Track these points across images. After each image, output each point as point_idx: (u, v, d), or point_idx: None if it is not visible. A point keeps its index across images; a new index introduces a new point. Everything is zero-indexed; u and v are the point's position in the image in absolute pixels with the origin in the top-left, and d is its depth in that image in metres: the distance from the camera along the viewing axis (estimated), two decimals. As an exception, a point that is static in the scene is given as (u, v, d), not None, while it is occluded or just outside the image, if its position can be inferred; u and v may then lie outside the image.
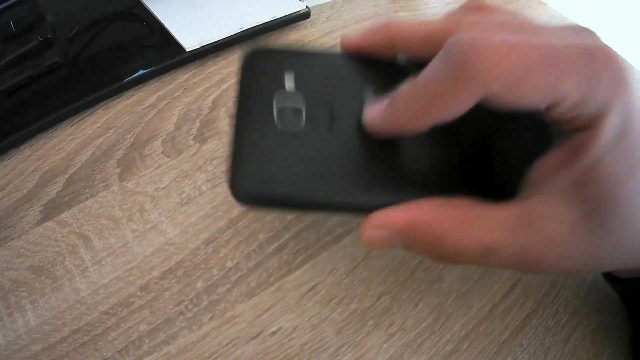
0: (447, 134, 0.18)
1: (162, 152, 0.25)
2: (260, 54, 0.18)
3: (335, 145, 0.17)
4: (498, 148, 0.19)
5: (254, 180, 0.16)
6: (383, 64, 0.19)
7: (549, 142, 0.20)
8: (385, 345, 0.20)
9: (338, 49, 0.19)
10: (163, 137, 0.26)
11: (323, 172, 0.16)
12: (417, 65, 0.17)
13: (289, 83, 0.18)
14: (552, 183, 0.15)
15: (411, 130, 0.16)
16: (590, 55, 0.14)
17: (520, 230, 0.15)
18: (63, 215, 0.22)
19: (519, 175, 0.17)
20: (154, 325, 0.20)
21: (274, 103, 0.17)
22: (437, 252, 0.16)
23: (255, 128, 0.17)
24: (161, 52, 0.29)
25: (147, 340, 0.19)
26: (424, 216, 0.16)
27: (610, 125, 0.14)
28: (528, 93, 0.14)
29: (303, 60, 0.19)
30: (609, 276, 0.21)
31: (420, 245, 0.16)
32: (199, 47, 0.29)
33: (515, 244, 0.15)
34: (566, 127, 0.15)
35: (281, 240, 0.22)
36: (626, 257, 0.16)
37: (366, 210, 0.16)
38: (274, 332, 0.20)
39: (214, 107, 0.27)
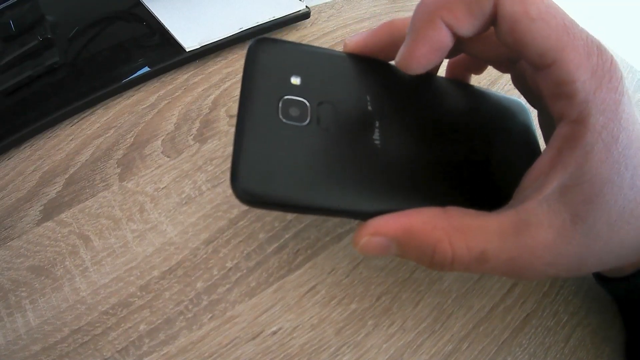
0: (446, 146, 0.19)
1: (162, 152, 0.25)
2: (266, 45, 0.18)
3: (337, 146, 0.17)
4: (493, 159, 0.19)
5: (256, 181, 0.15)
6: (386, 66, 0.19)
7: (539, 154, 0.20)
8: (385, 345, 0.20)
9: (341, 49, 0.19)
10: (163, 137, 0.26)
11: (324, 175, 0.16)
12: None
13: (295, 78, 0.18)
14: (542, 188, 0.15)
15: (434, 51, 0.16)
16: (601, 54, 0.14)
17: (511, 237, 0.15)
18: (63, 215, 0.22)
19: (512, 184, 0.17)
20: (154, 325, 0.20)
21: (279, 97, 0.17)
22: (430, 260, 0.16)
23: (259, 122, 0.16)
24: (161, 52, 0.29)
25: (147, 340, 0.19)
26: (419, 224, 0.16)
27: (597, 126, 0.14)
28: (538, 32, 0.14)
29: (308, 56, 0.19)
30: (597, 276, 0.22)
31: (414, 253, 0.16)
32: (199, 47, 0.29)
33: (506, 250, 0.15)
34: (556, 108, 0.15)
35: (281, 240, 0.22)
36: (613, 259, 0.16)
37: (364, 216, 0.16)
38: (274, 332, 0.20)
39: (214, 107, 0.27)
